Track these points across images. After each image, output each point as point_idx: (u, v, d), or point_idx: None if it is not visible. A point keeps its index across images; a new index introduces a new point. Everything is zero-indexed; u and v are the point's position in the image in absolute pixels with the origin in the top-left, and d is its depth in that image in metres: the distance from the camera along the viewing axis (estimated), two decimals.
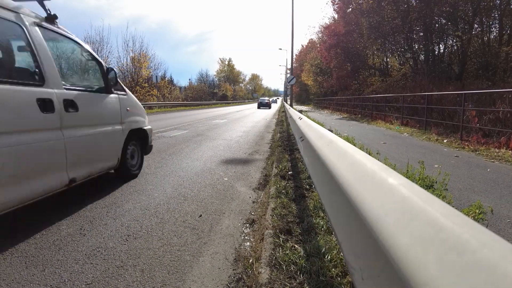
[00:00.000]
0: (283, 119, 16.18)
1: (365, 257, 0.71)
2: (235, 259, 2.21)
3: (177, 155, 5.99)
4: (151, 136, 4.65)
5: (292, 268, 1.92)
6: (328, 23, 31.10)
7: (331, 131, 2.66)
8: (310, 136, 2.28)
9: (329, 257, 2.00)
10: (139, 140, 4.41)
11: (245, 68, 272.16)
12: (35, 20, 2.79)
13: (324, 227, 2.49)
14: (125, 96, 4.02)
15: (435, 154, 6.46)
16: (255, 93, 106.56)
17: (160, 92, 33.24)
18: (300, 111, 10.52)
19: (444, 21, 18.86)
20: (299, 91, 63.38)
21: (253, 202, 3.46)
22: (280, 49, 58.23)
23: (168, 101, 31.44)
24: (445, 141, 8.15)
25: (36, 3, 3.05)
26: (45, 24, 2.91)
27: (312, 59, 40.45)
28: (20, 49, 2.73)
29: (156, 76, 32.55)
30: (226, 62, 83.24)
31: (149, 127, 4.62)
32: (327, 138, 1.73)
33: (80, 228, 2.64)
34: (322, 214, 2.73)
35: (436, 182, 3.38)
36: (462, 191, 3.79)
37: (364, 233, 0.67)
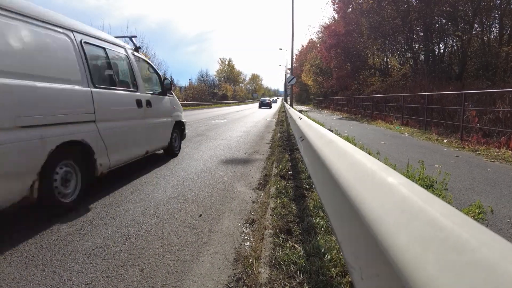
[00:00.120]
0: (283, 119, 16.18)
1: (364, 257, 0.71)
2: (235, 259, 2.21)
3: (174, 157, 5.99)
4: (186, 127, 6.34)
5: (292, 267, 1.92)
6: (328, 23, 31.12)
7: (331, 131, 2.66)
8: (310, 136, 2.28)
9: (329, 256, 2.00)
10: (179, 129, 5.99)
11: (245, 68, 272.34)
12: (131, 50, 4.59)
13: (324, 227, 2.49)
14: (172, 97, 5.62)
15: (435, 154, 6.46)
16: (255, 93, 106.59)
17: None
18: (300, 111, 10.53)
19: (444, 21, 18.86)
20: (299, 91, 63.39)
21: (253, 202, 3.46)
22: (280, 49, 58.21)
23: None
24: (445, 141, 8.15)
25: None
26: (135, 53, 4.71)
27: (312, 59, 40.45)
28: (126, 69, 4.42)
29: None
30: (226, 62, 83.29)
31: (185, 120, 6.26)
32: (327, 138, 1.73)
33: (80, 228, 2.64)
34: (322, 214, 2.73)
35: (436, 182, 3.38)
36: (462, 191, 3.78)
37: (364, 232, 0.67)
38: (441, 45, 19.95)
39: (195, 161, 5.45)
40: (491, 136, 7.47)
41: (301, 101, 62.77)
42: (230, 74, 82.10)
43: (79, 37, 3.35)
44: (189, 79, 68.01)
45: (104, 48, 3.84)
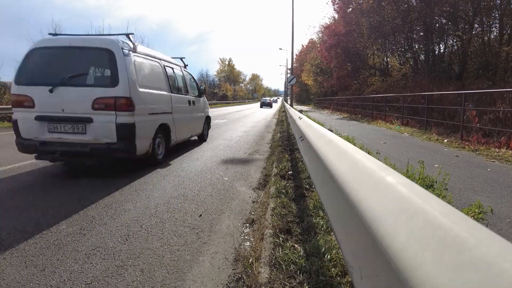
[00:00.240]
0: (283, 119, 16.18)
1: (364, 256, 0.71)
2: (235, 258, 2.21)
3: (177, 154, 5.99)
4: (211, 120, 8.84)
5: (292, 267, 1.92)
6: (328, 23, 31.12)
7: (331, 131, 2.66)
8: (310, 136, 2.28)
9: (328, 256, 2.00)
10: (207, 122, 8.12)
11: (245, 68, 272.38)
12: (183, 66, 6.80)
13: (324, 226, 2.49)
14: (204, 99, 7.85)
15: (435, 154, 6.46)
16: (255, 93, 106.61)
17: None
18: (300, 111, 10.53)
19: (444, 21, 18.86)
20: (299, 91, 63.37)
21: (253, 201, 3.46)
22: (281, 49, 58.18)
23: None
24: (445, 141, 8.15)
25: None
26: (184, 68, 6.90)
27: (312, 59, 40.45)
28: (182, 80, 6.42)
29: None
30: (227, 62, 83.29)
31: (210, 115, 8.52)
32: (327, 138, 1.73)
33: (80, 227, 2.64)
34: (322, 214, 2.73)
35: (436, 182, 3.38)
36: (462, 191, 3.78)
37: (363, 232, 0.67)
38: (441, 45, 19.97)
39: (195, 161, 5.45)
40: (491, 136, 7.47)
41: (301, 101, 62.76)
42: (230, 74, 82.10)
43: (162, 63, 5.56)
44: None
45: (172, 68, 6.02)
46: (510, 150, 6.27)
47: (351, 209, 0.79)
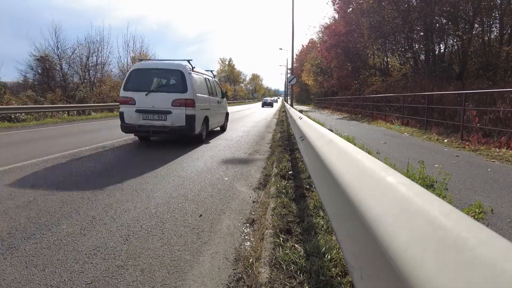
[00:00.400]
0: (283, 119, 16.18)
1: (364, 256, 0.70)
2: (235, 258, 2.21)
3: (178, 153, 5.99)
4: (229, 115, 11.51)
5: (292, 267, 1.92)
6: (328, 23, 31.11)
7: (332, 131, 2.66)
8: (310, 136, 2.28)
9: (329, 256, 2.00)
10: (226, 117, 10.82)
11: (246, 68, 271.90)
12: (212, 77, 9.47)
13: (324, 226, 2.49)
14: (225, 99, 10.35)
15: (436, 154, 6.46)
16: (255, 93, 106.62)
17: None
18: (301, 111, 10.51)
19: (444, 20, 18.83)
20: (299, 91, 63.35)
21: (253, 201, 3.46)
22: (281, 49, 58.26)
23: None
24: (445, 141, 8.14)
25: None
26: (214, 78, 9.57)
27: (312, 59, 40.43)
28: (213, 86, 9.01)
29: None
30: (227, 62, 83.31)
31: (228, 111, 11.38)
32: (327, 138, 1.73)
33: (80, 228, 2.64)
34: (322, 214, 2.73)
35: (436, 182, 3.38)
36: (462, 191, 3.78)
37: (363, 232, 0.67)
38: (441, 45, 19.94)
39: (196, 161, 5.45)
40: (492, 136, 7.46)
41: (301, 101, 62.73)
42: (230, 74, 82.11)
43: (204, 76, 8.17)
44: None
45: (208, 79, 8.64)
46: (510, 150, 6.27)
47: (352, 209, 0.79)
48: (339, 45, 25.61)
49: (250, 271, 1.99)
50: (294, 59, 33.55)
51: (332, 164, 1.20)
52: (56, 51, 24.82)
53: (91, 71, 27.27)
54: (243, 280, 1.92)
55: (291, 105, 21.54)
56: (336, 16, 28.23)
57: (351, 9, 24.46)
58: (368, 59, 26.56)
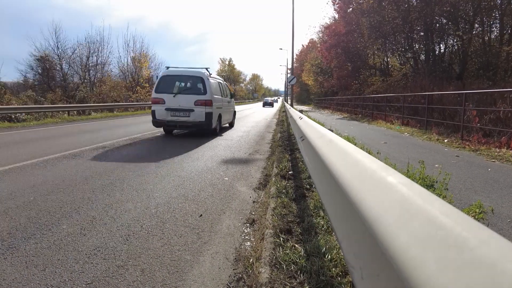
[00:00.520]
0: (283, 119, 16.17)
1: (364, 256, 0.70)
2: (235, 258, 2.21)
3: (178, 154, 5.99)
4: (236, 113, 13.10)
5: (292, 267, 1.92)
6: (328, 23, 31.10)
7: (332, 131, 2.66)
8: (310, 136, 2.28)
9: (329, 256, 2.00)
10: (233, 115, 12.30)
11: (246, 68, 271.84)
12: (223, 80, 11.16)
13: (325, 226, 2.49)
14: (233, 99, 11.92)
15: (436, 154, 6.46)
16: (255, 93, 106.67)
17: None
18: (301, 111, 10.50)
19: (444, 20, 18.82)
20: (299, 91, 63.35)
21: (254, 201, 3.46)
22: (281, 49, 58.39)
23: None
24: (445, 141, 8.14)
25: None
26: (224, 81, 11.20)
27: (312, 59, 40.42)
28: (225, 88, 10.75)
29: (157, 76, 32.47)
30: (227, 62, 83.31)
31: (236, 110, 13.09)
32: (327, 138, 1.73)
33: (81, 228, 2.64)
34: (322, 214, 2.73)
35: (436, 182, 3.38)
36: (462, 191, 3.78)
37: (364, 232, 0.67)
38: (441, 45, 19.92)
39: (196, 161, 5.45)
40: (492, 136, 7.46)
41: (301, 101, 62.73)
42: (230, 74, 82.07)
43: (217, 80, 9.83)
44: None
45: (221, 82, 10.20)
46: (510, 150, 6.27)
47: (352, 209, 0.79)
48: (339, 45, 25.61)
49: (251, 271, 1.99)
50: (294, 59, 33.56)
51: (333, 164, 1.20)
52: (56, 51, 24.88)
53: (91, 71, 27.30)
54: (243, 280, 1.92)
55: (291, 105, 21.54)
56: (336, 16, 28.23)
57: (351, 9, 24.45)
58: (368, 59, 26.55)
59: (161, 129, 9.61)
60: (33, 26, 49.12)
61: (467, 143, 7.40)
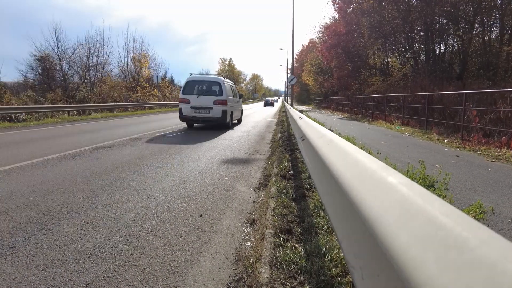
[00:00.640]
0: (283, 119, 16.18)
1: (365, 256, 0.70)
2: (235, 258, 2.21)
3: (178, 154, 5.99)
4: (243, 111, 15.60)
5: (292, 267, 1.92)
6: (328, 23, 31.08)
7: (332, 130, 2.66)
8: (311, 136, 2.28)
9: (329, 256, 2.00)
10: (241, 113, 14.44)
11: (246, 68, 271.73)
12: (233, 83, 13.77)
13: (325, 226, 2.49)
14: (241, 100, 14.73)
15: (436, 154, 6.46)
16: (256, 93, 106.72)
17: (161, 92, 33.24)
18: (301, 111, 10.49)
19: (445, 20, 18.81)
20: (299, 91, 63.33)
21: (254, 201, 3.47)
22: (281, 49, 58.43)
23: (168, 101, 31.40)
24: (446, 141, 8.14)
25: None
26: (233, 84, 13.60)
27: (312, 59, 40.40)
28: (235, 91, 13.20)
29: (157, 76, 32.56)
30: (227, 62, 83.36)
31: (243, 108, 15.83)
32: (327, 138, 1.73)
33: (81, 228, 2.64)
34: (322, 214, 2.73)
35: (437, 182, 3.38)
36: (463, 191, 3.78)
37: (364, 232, 0.67)
38: (441, 45, 19.89)
39: (196, 161, 5.45)
40: (492, 136, 7.45)
41: (301, 101, 62.72)
42: (230, 74, 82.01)
43: (229, 84, 12.07)
44: None
45: (231, 85, 12.47)
46: (510, 150, 6.26)
47: (352, 209, 0.79)
48: (339, 45, 25.59)
49: (251, 271, 1.99)
50: (294, 59, 33.56)
51: (333, 164, 1.20)
52: (56, 51, 24.86)
53: (91, 71, 27.29)
54: (243, 280, 1.92)
55: (291, 105, 21.54)
56: (336, 16, 28.21)
57: (351, 9, 24.43)
58: (369, 59, 26.53)
59: (161, 129, 10.40)
60: (33, 26, 49.18)
61: (467, 143, 7.40)
